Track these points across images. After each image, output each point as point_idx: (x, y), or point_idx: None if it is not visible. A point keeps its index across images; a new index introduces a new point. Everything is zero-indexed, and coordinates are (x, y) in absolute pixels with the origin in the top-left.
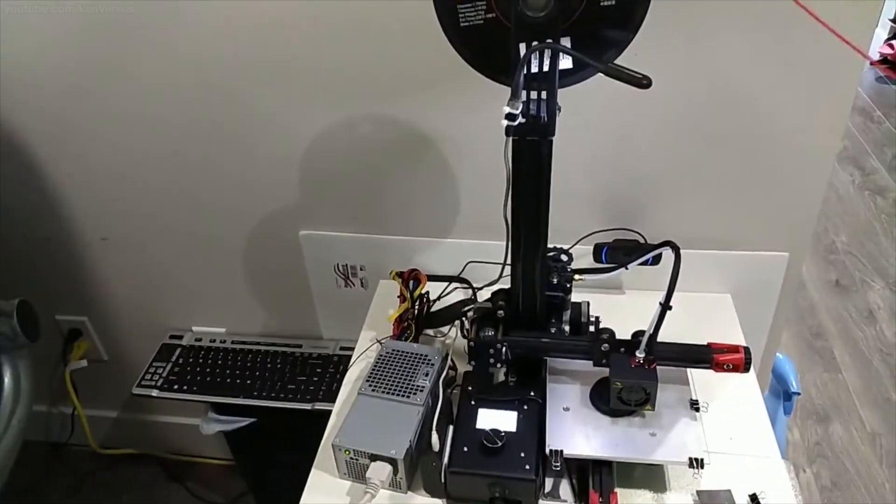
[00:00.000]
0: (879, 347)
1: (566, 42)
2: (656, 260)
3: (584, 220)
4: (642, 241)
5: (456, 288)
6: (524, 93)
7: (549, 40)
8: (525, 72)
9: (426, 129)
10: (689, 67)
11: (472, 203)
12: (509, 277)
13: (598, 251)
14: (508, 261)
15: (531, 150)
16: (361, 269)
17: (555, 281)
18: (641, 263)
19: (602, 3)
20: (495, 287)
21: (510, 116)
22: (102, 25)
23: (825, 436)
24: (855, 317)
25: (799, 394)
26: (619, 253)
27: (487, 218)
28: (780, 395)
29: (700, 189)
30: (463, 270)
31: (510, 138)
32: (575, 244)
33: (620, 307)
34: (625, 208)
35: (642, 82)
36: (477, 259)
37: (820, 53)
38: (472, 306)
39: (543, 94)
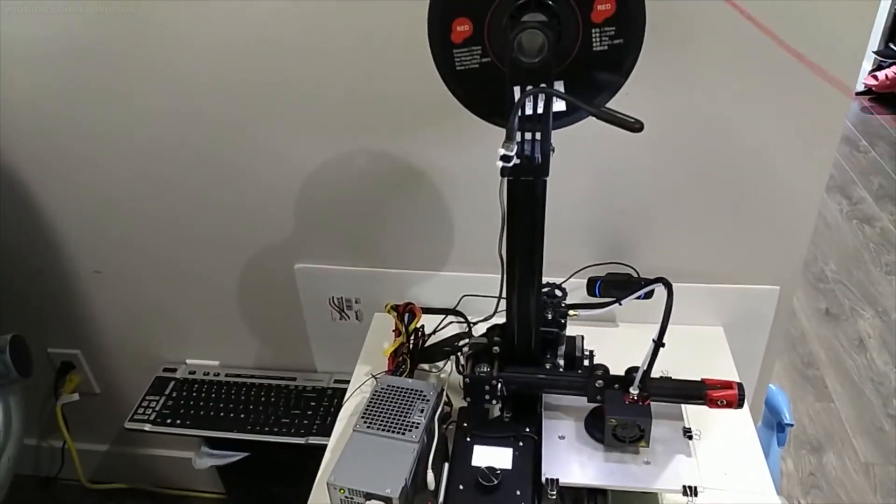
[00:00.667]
0: (871, 376)
1: (560, 86)
2: (649, 294)
3: (577, 254)
4: (635, 274)
5: (451, 322)
6: (518, 134)
7: (543, 85)
8: (519, 115)
9: (422, 163)
10: (677, 106)
11: (467, 237)
12: (504, 312)
13: (591, 285)
14: (503, 295)
15: (525, 190)
16: (356, 302)
17: (549, 317)
18: (634, 298)
19: (595, 49)
20: (490, 322)
21: (505, 158)
22: (98, 51)
23: (819, 466)
24: (846, 345)
25: (792, 425)
26: (611, 287)
27: (482, 251)
28: (774, 426)
29: (691, 224)
30: (458, 304)
31: (505, 178)
32: (569, 278)
33: (614, 340)
34: (617, 242)
35: (634, 126)
36: (472, 293)
37: (806, 89)
38: (467, 341)
39: (537, 136)
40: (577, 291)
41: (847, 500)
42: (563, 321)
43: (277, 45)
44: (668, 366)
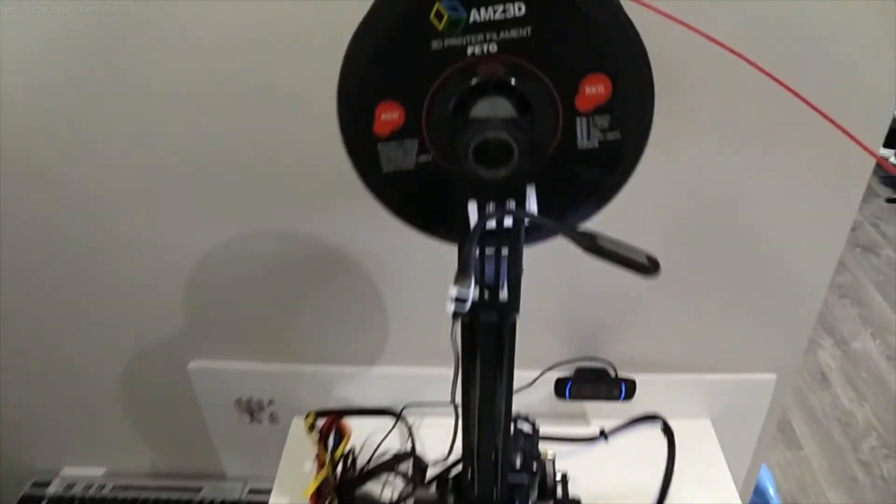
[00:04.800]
0: (837, 416)
1: (531, 192)
2: (629, 395)
3: (542, 348)
4: (612, 371)
5: (391, 431)
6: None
7: (511, 201)
8: (478, 244)
9: (344, 244)
10: (669, 172)
11: (405, 327)
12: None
13: (560, 386)
14: (460, 434)
15: (488, 332)
16: (270, 404)
17: (518, 463)
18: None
19: (581, 146)
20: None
21: (459, 301)
22: None
23: None
24: (809, 381)
25: None
26: (585, 387)
27: (425, 342)
28: None
29: (679, 309)
30: (400, 415)
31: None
32: (533, 382)
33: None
34: (590, 331)
35: (646, 268)
36: (414, 390)
37: (821, 162)
38: (411, 497)
39: (503, 256)
40: (543, 389)
41: None
42: (535, 465)
43: (170, 98)
44: (653, 462)
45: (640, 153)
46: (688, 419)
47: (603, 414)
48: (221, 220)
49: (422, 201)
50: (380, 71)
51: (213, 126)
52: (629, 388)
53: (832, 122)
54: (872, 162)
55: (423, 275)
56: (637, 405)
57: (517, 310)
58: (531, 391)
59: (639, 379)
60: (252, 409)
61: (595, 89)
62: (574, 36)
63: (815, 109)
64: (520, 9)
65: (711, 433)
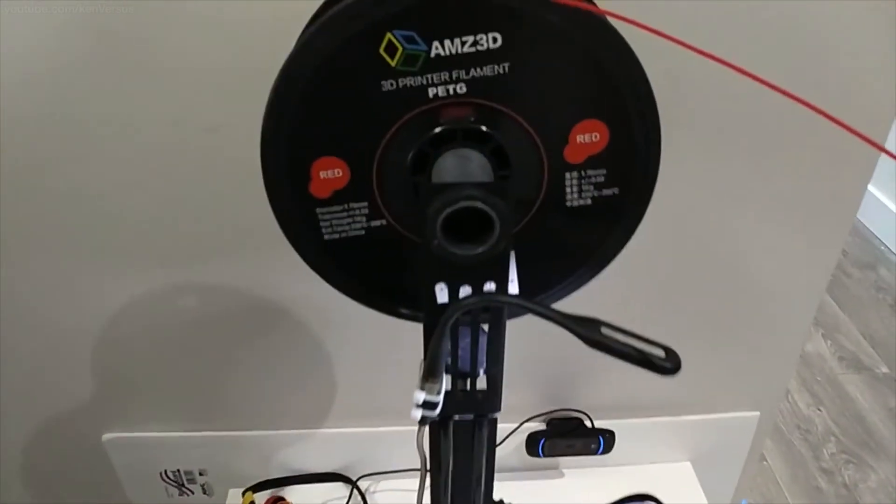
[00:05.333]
0: (797, 423)
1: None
2: (608, 448)
3: (512, 397)
4: (588, 422)
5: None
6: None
7: (490, 284)
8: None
9: (276, 294)
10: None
11: (354, 384)
12: None
13: (532, 443)
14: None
15: (463, 435)
16: (201, 475)
17: None
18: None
19: (570, 203)
20: None
21: (427, 405)
22: None
23: None
24: None
25: None
26: (559, 443)
27: (378, 401)
28: None
29: None
30: (356, 484)
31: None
32: (503, 441)
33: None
34: (563, 379)
35: (664, 367)
36: (370, 457)
37: (805, 202)
38: None
39: (481, 358)
40: (512, 440)
41: None
42: None
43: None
44: None
45: (642, 210)
46: (667, 463)
47: (580, 465)
48: (133, 268)
49: (375, 273)
50: (315, 119)
51: (122, 157)
52: (607, 441)
53: (843, 125)
54: (859, 198)
55: (371, 324)
56: (615, 453)
57: (497, 409)
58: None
59: (616, 425)
60: (181, 481)
61: (588, 137)
62: (562, 74)
63: (830, 117)
64: (494, 40)
65: (693, 477)
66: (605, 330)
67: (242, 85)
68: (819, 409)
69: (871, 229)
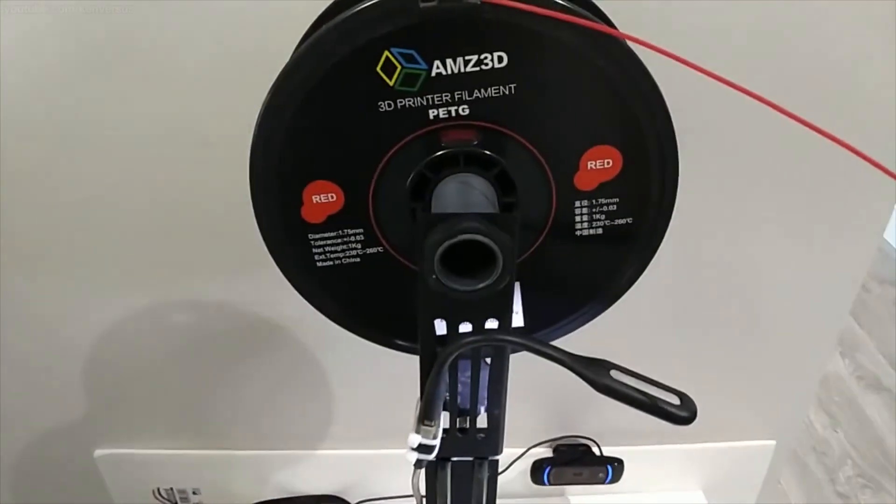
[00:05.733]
0: (812, 444)
1: (515, 287)
2: (616, 477)
3: (518, 422)
4: (596, 449)
5: None
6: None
7: (494, 322)
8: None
9: (275, 313)
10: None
11: (353, 405)
12: None
13: (537, 471)
14: None
15: (462, 475)
16: (195, 493)
17: None
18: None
19: (580, 233)
20: None
21: (423, 449)
22: None
23: None
24: None
25: None
26: (566, 471)
27: (377, 422)
28: None
29: (671, 374)
30: None
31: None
32: (506, 469)
33: None
34: (571, 403)
35: (678, 416)
36: (368, 480)
37: (827, 227)
38: None
39: (482, 395)
40: (517, 467)
41: None
42: None
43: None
44: None
45: (657, 241)
46: (679, 492)
47: (587, 492)
48: (126, 285)
49: (370, 302)
50: (307, 140)
51: (115, 172)
52: (616, 470)
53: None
54: (885, 222)
55: (369, 347)
56: (624, 481)
57: (499, 451)
58: (503, 475)
59: (626, 452)
60: (174, 500)
61: (600, 164)
62: (572, 96)
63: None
64: (500, 59)
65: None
66: (614, 373)
67: (241, 98)
68: (836, 431)
69: (892, 243)
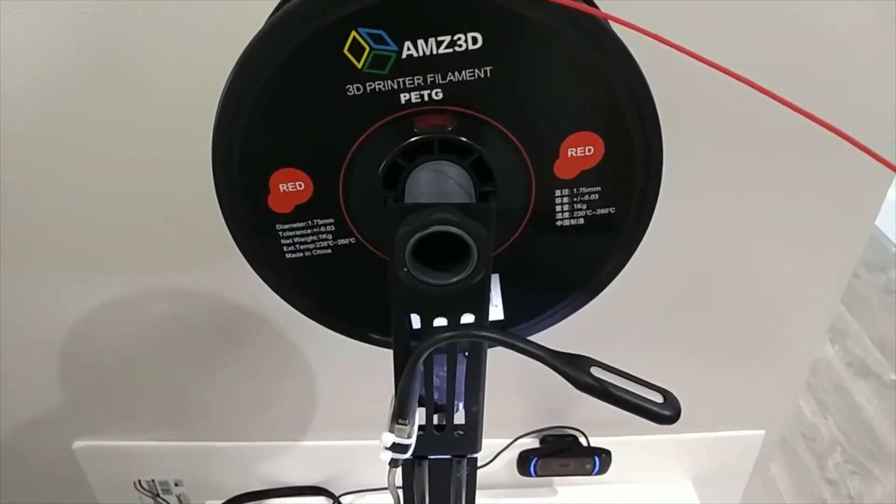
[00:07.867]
0: (801, 431)
1: (494, 282)
2: (603, 468)
3: (504, 413)
4: (583, 439)
5: None
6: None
7: (469, 316)
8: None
9: (254, 303)
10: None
11: (335, 395)
12: None
13: (523, 462)
14: None
15: (440, 474)
16: (177, 485)
17: None
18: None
19: (559, 223)
20: None
21: (397, 448)
22: None
23: None
24: None
25: None
26: (552, 462)
27: (361, 412)
28: None
29: (660, 364)
30: (337, 500)
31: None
32: (491, 461)
33: None
34: (558, 393)
35: (662, 415)
36: (352, 471)
37: (819, 214)
38: None
39: (459, 390)
40: (504, 458)
41: None
42: None
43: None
44: None
45: (641, 232)
46: (667, 482)
47: (575, 483)
48: (106, 275)
49: (343, 295)
50: (272, 127)
51: (92, 164)
52: (603, 462)
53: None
54: (876, 210)
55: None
56: (612, 472)
57: (477, 449)
58: (489, 466)
59: (613, 442)
60: (156, 491)
61: (581, 151)
62: (551, 79)
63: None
64: (474, 41)
65: (694, 497)
66: (596, 370)
67: (214, 86)
68: (825, 417)
69: (882, 229)
